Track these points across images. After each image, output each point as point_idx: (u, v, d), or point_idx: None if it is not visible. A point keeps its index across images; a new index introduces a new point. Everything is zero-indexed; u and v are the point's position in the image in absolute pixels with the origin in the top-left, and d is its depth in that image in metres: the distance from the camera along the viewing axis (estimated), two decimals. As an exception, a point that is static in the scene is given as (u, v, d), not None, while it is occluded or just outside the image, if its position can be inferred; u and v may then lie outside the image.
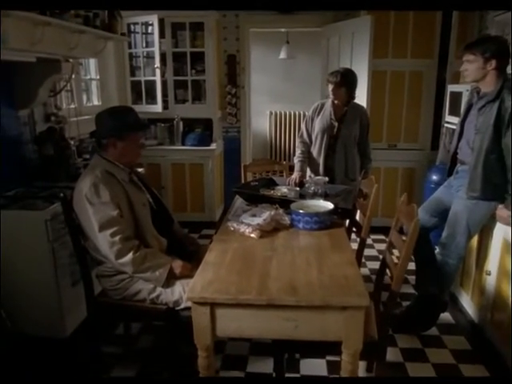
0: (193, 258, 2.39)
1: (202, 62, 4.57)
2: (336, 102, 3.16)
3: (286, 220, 2.39)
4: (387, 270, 2.13)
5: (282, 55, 6.53)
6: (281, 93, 7.34)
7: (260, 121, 7.39)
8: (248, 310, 1.70)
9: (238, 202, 2.92)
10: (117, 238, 2.05)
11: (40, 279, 2.46)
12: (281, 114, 7.48)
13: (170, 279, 2.14)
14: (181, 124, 4.63)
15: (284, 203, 2.63)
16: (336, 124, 3.18)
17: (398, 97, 4.33)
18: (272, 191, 2.96)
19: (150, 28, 4.58)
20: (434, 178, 4.01)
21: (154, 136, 4.73)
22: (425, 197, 4.09)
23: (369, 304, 1.67)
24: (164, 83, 4.59)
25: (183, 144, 4.62)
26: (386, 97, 4.35)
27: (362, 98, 3.96)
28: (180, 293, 2.12)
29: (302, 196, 2.80)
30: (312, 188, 2.72)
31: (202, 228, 4.65)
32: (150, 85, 4.62)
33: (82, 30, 2.60)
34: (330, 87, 3.08)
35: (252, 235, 2.25)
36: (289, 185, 3.11)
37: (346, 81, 3.06)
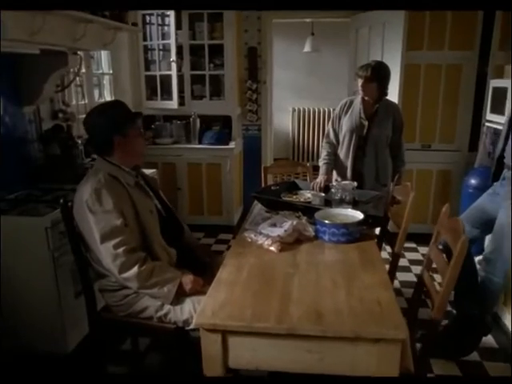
0: (206, 270, 2.23)
1: (221, 56, 4.42)
2: (366, 98, 2.94)
3: (310, 231, 2.20)
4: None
5: (307, 48, 6.35)
6: (305, 88, 7.16)
7: (282, 118, 7.21)
8: (265, 338, 1.52)
9: (257, 208, 2.74)
10: (120, 250, 1.89)
11: (40, 290, 2.32)
12: (304, 110, 7.28)
13: (180, 296, 1.97)
14: (198, 121, 4.49)
15: (307, 210, 2.46)
16: (366, 123, 2.97)
17: (434, 93, 4.11)
18: (294, 196, 2.79)
19: (166, 19, 4.44)
20: (473, 181, 3.79)
21: (169, 134, 4.60)
22: (462, 202, 3.91)
23: (406, 336, 1.46)
24: (180, 78, 4.45)
25: (200, 143, 4.48)
26: (419, 93, 4.13)
27: (393, 94, 3.76)
28: (190, 311, 1.95)
29: (328, 202, 2.61)
30: (339, 194, 2.52)
31: (219, 232, 4.50)
32: (166, 80, 4.48)
33: (88, 20, 2.45)
34: (360, 82, 2.88)
35: (271, 248, 2.06)
36: (313, 189, 2.91)
37: (377, 75, 2.84)
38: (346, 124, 3.01)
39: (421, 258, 3.93)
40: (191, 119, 4.47)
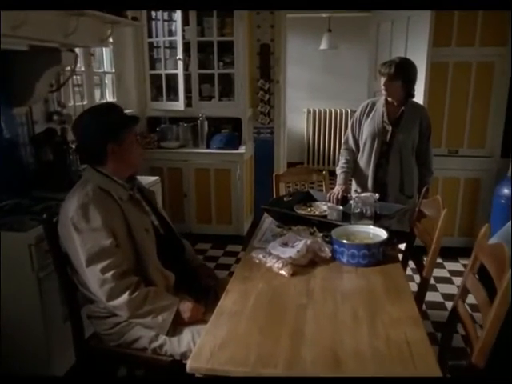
0: (209, 294, 2.07)
1: (231, 53, 4.27)
2: (390, 99, 2.74)
3: (326, 251, 2.00)
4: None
5: (323, 45, 6.19)
6: (321, 88, 6.99)
7: (296, 120, 7.03)
8: (272, 386, 1.31)
9: (267, 221, 2.56)
10: (109, 275, 1.71)
11: (23, 314, 2.14)
12: (320, 112, 7.09)
13: (177, 326, 1.79)
14: (206, 124, 4.35)
15: (323, 226, 2.27)
16: (390, 128, 2.76)
17: (462, 93, 3.89)
18: (309, 209, 2.60)
19: (172, 14, 4.29)
20: (506, 191, 3.61)
21: (175, 137, 4.46)
22: (493, 214, 3.73)
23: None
24: (187, 77, 4.31)
25: (208, 147, 4.34)
26: (447, 93, 3.91)
27: (417, 94, 3.49)
28: (189, 343, 1.77)
29: (346, 216, 2.40)
30: (358, 208, 2.30)
31: (228, 243, 4.35)
32: (172, 79, 4.36)
33: (79, 12, 2.28)
34: (383, 81, 2.67)
35: (282, 272, 1.87)
36: (329, 200, 2.70)
37: (402, 72, 2.63)
38: (367, 129, 2.80)
39: (447, 274, 3.70)
40: (199, 121, 4.34)
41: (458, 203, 4.07)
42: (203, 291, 2.08)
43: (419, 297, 1.98)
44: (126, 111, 4.06)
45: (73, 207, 1.75)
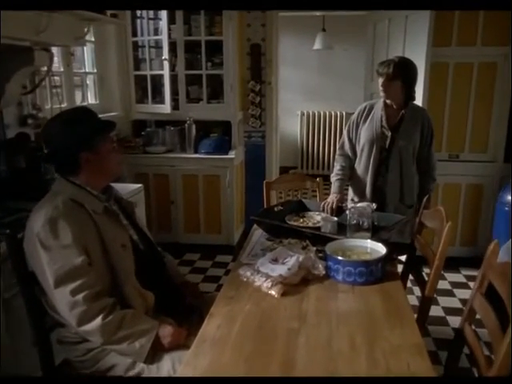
0: (193, 315, 1.95)
1: (220, 53, 4.17)
2: (388, 102, 2.63)
3: (320, 268, 1.89)
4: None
5: (317, 45, 6.12)
6: (315, 90, 6.91)
7: (289, 123, 6.94)
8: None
9: (257, 233, 2.45)
10: (80, 297, 1.59)
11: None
12: (314, 114, 7.01)
13: (156, 352, 1.67)
14: (194, 127, 4.25)
15: (317, 239, 2.16)
16: (389, 133, 2.66)
17: (464, 95, 3.85)
18: (301, 220, 2.50)
19: (158, 12, 4.19)
20: (509, 198, 3.51)
21: (161, 142, 4.36)
22: (496, 222, 3.66)
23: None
24: (174, 78, 4.21)
25: (196, 151, 4.25)
26: (447, 95, 3.88)
27: (417, 96, 3.44)
28: (169, 371, 1.65)
29: (342, 227, 2.29)
30: (355, 220, 2.20)
31: (217, 253, 4.25)
32: (158, 80, 4.28)
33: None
34: (381, 81, 2.56)
35: (271, 292, 1.76)
36: (323, 210, 2.60)
37: (401, 72, 2.52)
38: (364, 134, 2.69)
39: (449, 286, 3.61)
40: (186, 125, 4.24)
41: (459, 210, 4.00)
42: (187, 311, 1.97)
43: (421, 318, 1.86)
44: (110, 114, 4.12)
45: (39, 222, 1.62)
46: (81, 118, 1.78)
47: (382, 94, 2.60)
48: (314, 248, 2.10)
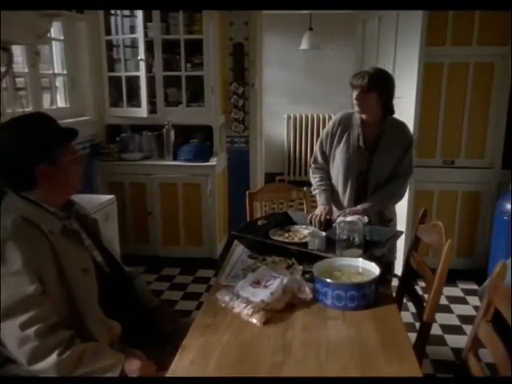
0: (167, 344, 1.79)
1: (201, 54, 4.07)
2: (364, 117, 2.50)
3: (307, 292, 1.76)
4: None
5: (304, 45, 6.02)
6: (302, 92, 6.84)
7: (275, 127, 6.85)
8: None
9: (238, 250, 2.32)
10: (31, 331, 1.43)
11: None
12: (302, 117, 6.92)
13: (122, 390, 1.52)
14: (172, 132, 4.13)
15: (303, 256, 2.05)
16: (367, 154, 2.53)
17: (459, 97, 3.79)
18: (286, 234, 2.36)
19: (133, 9, 4.04)
20: (509, 206, 3.44)
21: (138, 148, 4.24)
22: (495, 232, 3.60)
23: None
24: (151, 80, 4.09)
25: (175, 158, 4.14)
26: (441, 97, 3.81)
27: (409, 98, 3.50)
28: (135, 412, 1.50)
29: (331, 242, 2.16)
30: (345, 235, 2.07)
31: (198, 267, 4.12)
32: (134, 82, 4.14)
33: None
34: (355, 94, 2.41)
35: (253, 320, 1.63)
36: (311, 224, 2.47)
37: (377, 83, 2.39)
38: (340, 154, 2.56)
39: (446, 301, 3.51)
40: (164, 130, 4.12)
41: (455, 220, 3.92)
42: (160, 340, 1.83)
43: (419, 347, 1.74)
44: (82, 118, 3.95)
45: (-15, 245, 1.47)
46: (36, 126, 1.63)
47: (356, 108, 2.45)
48: (301, 267, 1.99)
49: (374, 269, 1.80)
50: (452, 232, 3.85)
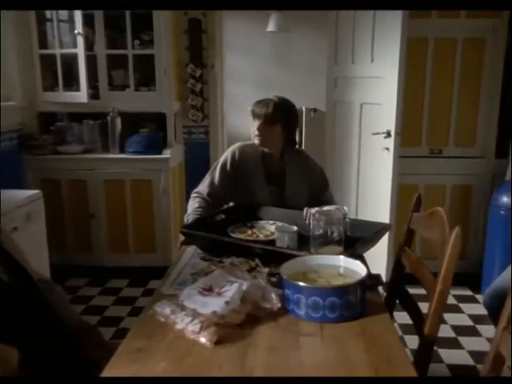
0: (92, 373, 1.45)
1: (150, 29, 3.85)
2: (267, 151, 2.43)
3: (273, 299, 1.44)
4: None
5: (271, 27, 5.77)
6: (270, 82, 6.52)
7: (240, 121, 6.50)
8: None
9: (189, 251, 2.01)
10: None
11: None
12: (270, 109, 6.64)
13: None
14: (119, 121, 3.94)
15: (270, 256, 1.78)
16: (275, 190, 2.45)
17: (446, 77, 3.67)
18: (250, 231, 2.11)
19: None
20: (505, 200, 3.30)
21: (77, 139, 4.02)
22: (490, 229, 3.45)
23: None
24: (92, 59, 3.85)
25: (122, 151, 3.96)
26: (426, 77, 3.68)
27: (390, 79, 3.33)
28: None
29: (303, 240, 1.91)
30: (320, 229, 1.78)
31: (151, 278, 3.80)
32: (71, 61, 3.88)
33: None
34: (256, 124, 2.35)
35: (201, 339, 1.30)
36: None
37: (282, 113, 2.36)
38: (246, 195, 2.42)
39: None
40: (109, 118, 3.93)
41: (443, 216, 3.71)
42: (83, 370, 1.50)
43: (420, 370, 1.43)
44: (7, 104, 3.57)
45: None
46: None
47: (257, 141, 2.37)
48: (266, 270, 1.71)
49: (360, 269, 1.50)
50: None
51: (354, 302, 1.39)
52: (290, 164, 2.47)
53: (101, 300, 3.50)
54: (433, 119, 3.74)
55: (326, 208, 1.94)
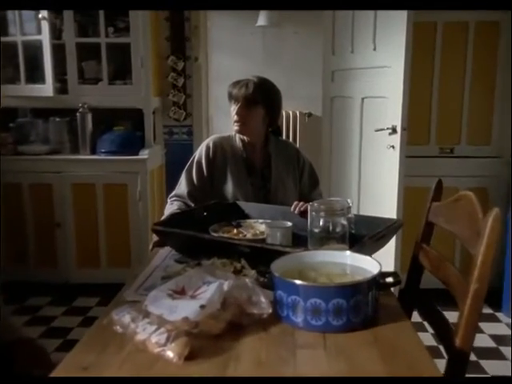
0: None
1: (126, 15, 3.78)
2: (246, 139, 2.36)
3: (263, 303, 1.24)
4: None
5: (261, 21, 5.73)
6: (259, 78, 6.49)
7: (228, 125, 6.40)
8: None
9: (161, 253, 1.85)
10: None
11: None
12: (260, 113, 6.56)
13: None
14: (90, 118, 3.90)
15: (260, 257, 1.59)
16: (258, 182, 2.39)
17: (457, 65, 3.60)
18: (235, 230, 1.97)
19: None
20: None
21: (41, 138, 3.98)
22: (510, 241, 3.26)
23: None
24: (60, 49, 3.77)
25: (94, 152, 3.91)
26: (435, 67, 3.62)
27: (396, 68, 3.20)
28: None
29: (298, 240, 1.76)
30: (320, 224, 1.59)
31: None
32: (35, 50, 3.79)
33: None
34: (234, 108, 2.29)
35: (167, 354, 1.09)
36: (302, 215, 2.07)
37: (264, 94, 2.28)
38: (227, 191, 2.35)
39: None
40: (79, 115, 3.88)
41: (456, 223, 3.58)
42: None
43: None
44: None
45: None
46: None
47: (236, 127, 2.30)
48: (253, 271, 1.52)
49: (371, 265, 1.29)
50: (452, 243, 3.55)
51: (364, 305, 1.19)
52: (276, 155, 2.41)
53: (65, 321, 3.34)
54: (442, 114, 3.68)
55: (328, 200, 1.82)
